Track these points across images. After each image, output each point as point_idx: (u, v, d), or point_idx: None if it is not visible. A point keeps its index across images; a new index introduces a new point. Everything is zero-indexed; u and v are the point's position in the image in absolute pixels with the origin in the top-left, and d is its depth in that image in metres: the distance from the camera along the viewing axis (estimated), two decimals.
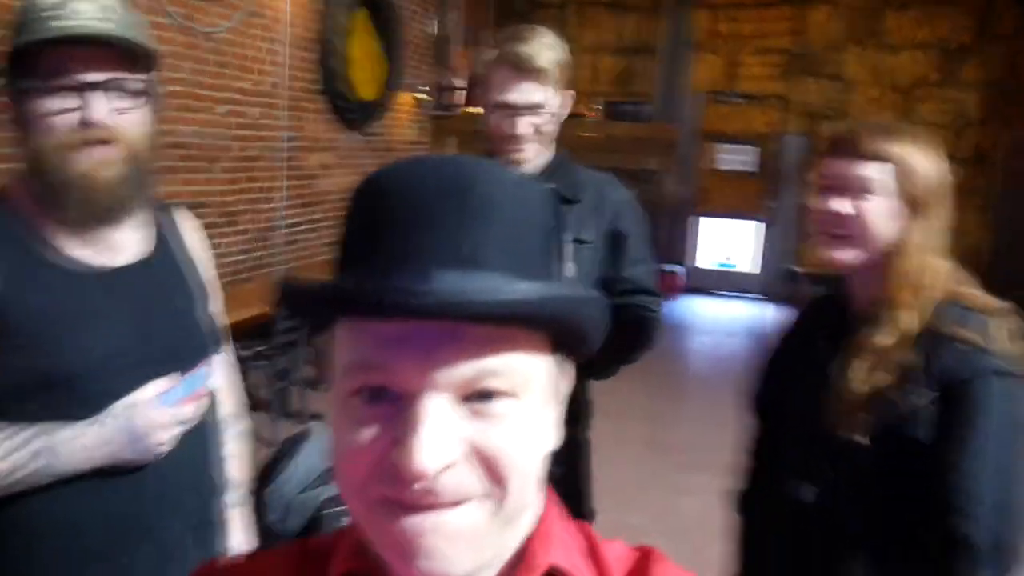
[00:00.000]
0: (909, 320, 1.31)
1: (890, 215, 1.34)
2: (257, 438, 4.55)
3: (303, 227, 6.26)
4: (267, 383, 4.63)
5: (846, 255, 1.37)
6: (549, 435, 0.57)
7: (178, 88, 4.74)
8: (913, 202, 1.33)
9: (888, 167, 1.33)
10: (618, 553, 0.63)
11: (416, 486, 0.48)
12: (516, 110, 1.75)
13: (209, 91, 5.02)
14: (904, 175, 1.32)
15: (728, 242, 9.55)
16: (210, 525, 1.43)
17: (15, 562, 1.20)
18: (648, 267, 1.95)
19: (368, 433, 0.51)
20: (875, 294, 1.37)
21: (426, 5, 8.08)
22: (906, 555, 1.31)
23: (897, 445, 1.30)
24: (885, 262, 1.35)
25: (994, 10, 8.78)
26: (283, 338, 4.42)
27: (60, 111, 1.17)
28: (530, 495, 0.55)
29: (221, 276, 5.55)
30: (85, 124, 1.18)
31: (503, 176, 0.55)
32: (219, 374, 1.39)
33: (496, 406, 0.51)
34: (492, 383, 0.51)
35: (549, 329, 0.54)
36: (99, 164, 1.20)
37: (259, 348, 4.55)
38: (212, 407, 1.41)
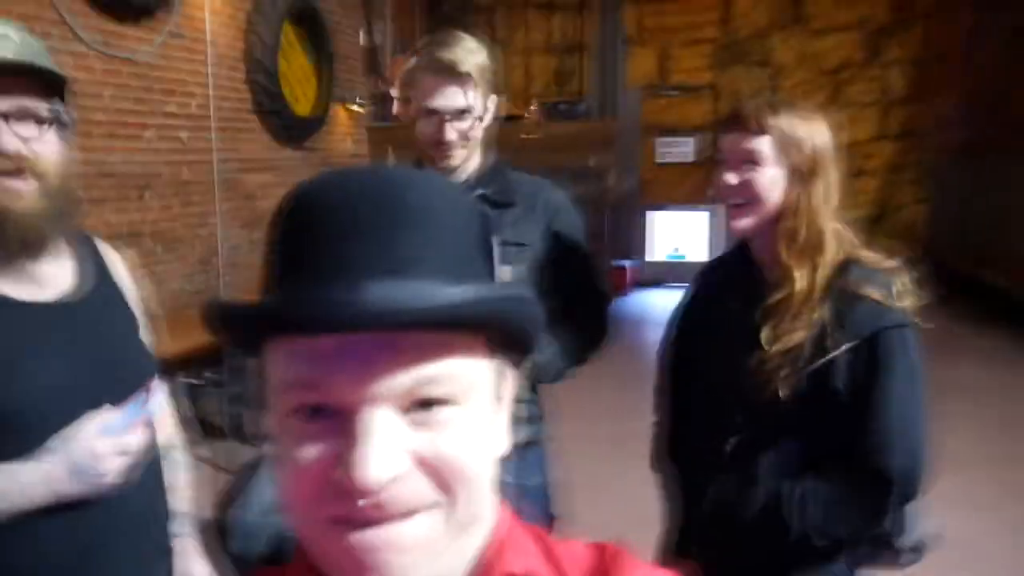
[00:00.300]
0: (803, 279, 1.43)
1: (777, 182, 1.46)
2: (214, 465, 4.44)
3: (244, 249, 6.13)
4: (220, 410, 4.52)
5: (743, 222, 1.50)
6: (496, 440, 0.56)
7: (101, 117, 4.60)
8: (797, 169, 1.45)
9: (771, 139, 1.45)
10: (576, 553, 0.61)
11: (362, 501, 0.47)
12: (441, 115, 1.74)
13: (135, 117, 4.88)
14: (786, 145, 1.45)
15: (680, 234, 9.62)
16: (163, 555, 1.41)
17: None
18: (587, 266, 1.93)
19: (310, 452, 0.49)
20: (775, 257, 1.48)
21: (353, 16, 7.99)
22: (821, 495, 1.43)
23: (813, 395, 1.42)
24: (778, 227, 1.47)
25: None
26: (234, 363, 4.32)
27: None
28: (482, 502, 0.54)
29: (162, 304, 5.42)
30: None
31: (429, 183, 0.54)
32: (158, 405, 1.37)
33: (439, 414, 0.50)
34: (432, 391, 0.50)
35: (485, 331, 0.53)
36: (12, 196, 1.16)
37: (209, 375, 4.45)
38: (152, 435, 1.36)
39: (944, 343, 6.61)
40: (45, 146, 1.19)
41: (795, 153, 1.45)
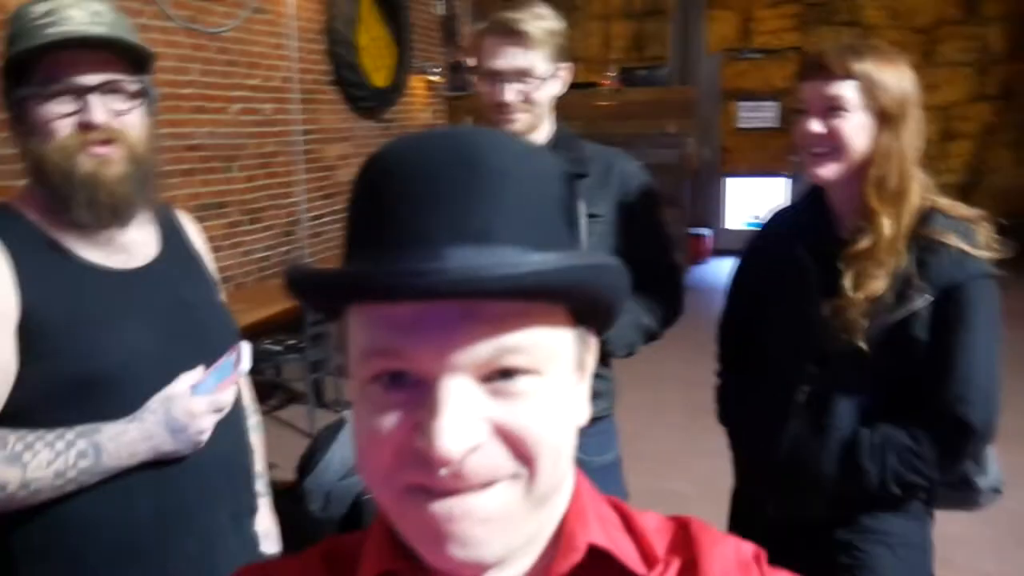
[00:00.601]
0: (891, 226, 1.41)
1: (863, 129, 1.43)
2: (295, 429, 4.61)
3: (326, 219, 6.28)
4: (301, 375, 4.67)
5: (827, 171, 1.46)
6: (577, 410, 0.56)
7: (189, 91, 4.75)
8: (883, 114, 1.42)
9: (855, 83, 1.41)
10: (656, 525, 0.61)
11: (442, 471, 0.47)
12: (502, 76, 1.72)
13: (220, 91, 5.03)
14: (871, 90, 1.41)
15: (756, 201, 9.41)
16: (247, 513, 1.46)
17: (65, 562, 1.22)
18: (661, 238, 1.91)
19: (390, 420, 0.49)
20: (857, 205, 1.46)
21: None
22: (900, 442, 1.44)
23: (894, 345, 1.42)
24: (863, 174, 1.44)
25: None
26: (314, 330, 4.46)
27: (59, 116, 1.19)
28: (561, 473, 0.53)
29: (248, 274, 5.59)
30: (84, 127, 1.19)
31: (512, 146, 0.53)
32: (248, 363, 1.42)
33: (519, 384, 0.49)
34: (513, 361, 0.49)
35: (569, 301, 0.52)
36: (102, 164, 1.21)
37: (291, 342, 4.59)
38: (238, 395, 1.43)
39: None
40: (132, 118, 1.25)
41: (882, 97, 1.41)
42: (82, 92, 1.19)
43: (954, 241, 1.39)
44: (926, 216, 1.43)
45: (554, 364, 0.51)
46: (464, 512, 0.48)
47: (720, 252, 9.34)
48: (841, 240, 1.49)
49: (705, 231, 9.23)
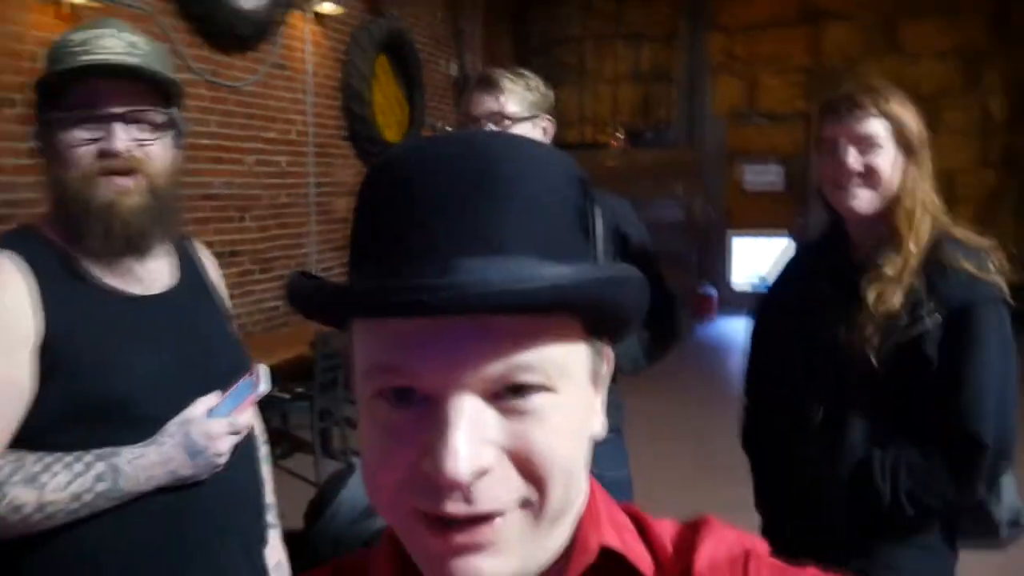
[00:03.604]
0: (915, 250, 1.49)
1: (893, 162, 1.52)
2: (301, 479, 4.57)
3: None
4: (307, 424, 4.66)
5: (863, 203, 1.53)
6: (593, 424, 0.54)
7: (207, 141, 4.85)
8: (908, 149, 1.52)
9: (886, 121, 1.51)
10: (672, 532, 0.60)
11: (450, 496, 0.45)
12: (479, 120, 1.91)
13: (237, 142, 5.14)
14: (899, 127, 1.51)
15: (762, 260, 9.46)
16: (257, 543, 1.45)
17: None
18: (654, 267, 2.02)
19: (397, 440, 0.47)
20: (879, 233, 1.54)
21: (444, 47, 8.22)
22: (913, 461, 1.46)
23: (905, 364, 1.46)
24: (890, 204, 1.53)
25: (1009, 11, 8.72)
26: (323, 378, 4.45)
27: (83, 142, 1.20)
28: (574, 492, 0.51)
29: (257, 323, 5.62)
30: (105, 154, 1.20)
31: (526, 149, 0.50)
32: (267, 384, 1.42)
33: (531, 402, 0.46)
34: (525, 378, 0.46)
35: (585, 314, 0.49)
36: (121, 194, 1.22)
37: (299, 390, 4.59)
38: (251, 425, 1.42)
39: None
40: (155, 149, 1.25)
41: (907, 133, 1.51)
42: (107, 120, 1.19)
43: (965, 265, 1.44)
44: (939, 241, 1.49)
45: (568, 379, 0.48)
46: (472, 545, 0.46)
47: (726, 310, 9.36)
48: (856, 266, 1.56)
49: (711, 290, 9.26)
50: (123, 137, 1.20)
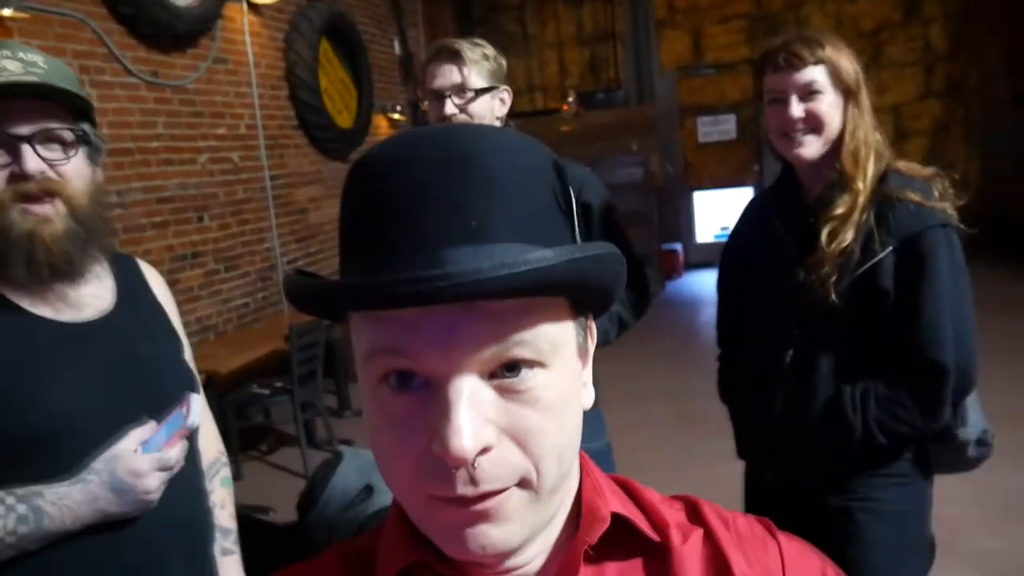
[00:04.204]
0: (863, 187, 1.54)
1: (835, 107, 1.57)
2: (289, 472, 4.58)
3: (301, 262, 6.29)
4: (290, 418, 4.66)
5: (810, 149, 1.59)
6: (583, 396, 0.57)
7: (156, 144, 4.77)
8: (847, 91, 1.57)
9: (824, 68, 1.56)
10: (660, 499, 0.65)
11: (459, 476, 0.48)
12: (442, 92, 1.92)
13: (187, 142, 5.05)
14: (836, 71, 1.56)
15: (724, 212, 9.56)
16: (207, 572, 1.39)
17: None
18: (619, 233, 2.03)
19: (405, 428, 0.50)
20: (828, 175, 1.59)
21: (387, 27, 8.12)
22: (880, 392, 1.52)
23: (863, 298, 1.52)
24: (835, 146, 1.58)
25: None
26: (301, 371, 4.44)
27: None
28: (568, 463, 0.54)
29: (228, 321, 5.57)
30: (17, 177, 1.15)
31: (503, 140, 0.53)
32: (197, 417, 1.36)
33: (526, 380, 0.50)
34: (519, 353, 0.49)
35: (571, 293, 0.52)
36: (40, 222, 1.17)
37: (279, 384, 4.57)
38: (193, 453, 1.38)
39: (1005, 295, 6.47)
40: (70, 168, 1.19)
41: (844, 76, 1.56)
42: (13, 142, 1.14)
43: (912, 196, 1.50)
44: (885, 176, 1.56)
45: (558, 354, 0.52)
46: (481, 517, 0.50)
47: (693, 266, 9.46)
48: (808, 208, 1.62)
49: (677, 246, 9.34)
50: (33, 158, 1.15)
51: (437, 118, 1.93)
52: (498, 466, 0.49)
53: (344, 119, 6.93)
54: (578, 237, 0.55)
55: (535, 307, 0.50)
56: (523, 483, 0.51)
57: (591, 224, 1.97)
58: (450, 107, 1.91)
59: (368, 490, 3.25)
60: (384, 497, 3.24)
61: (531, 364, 0.50)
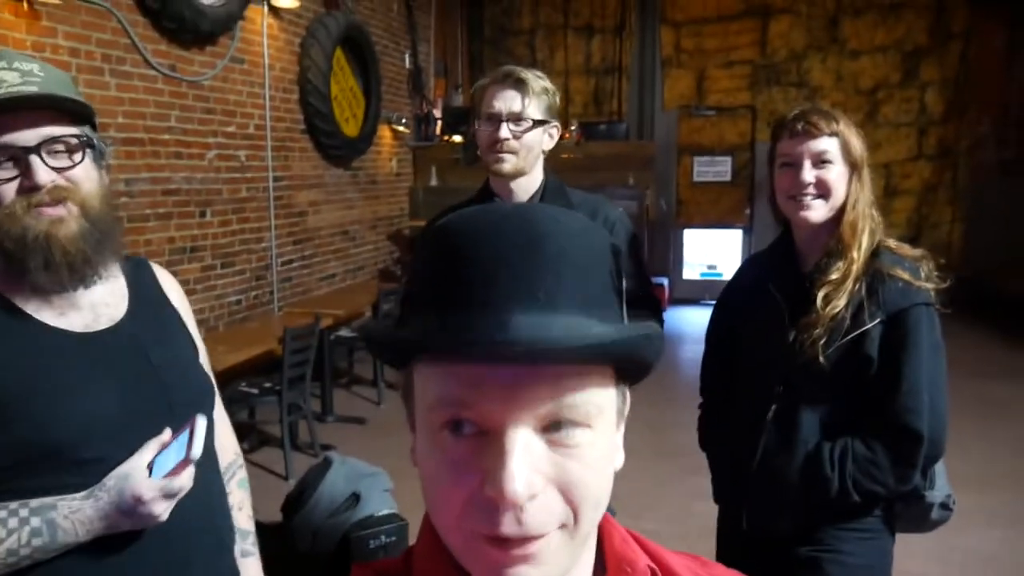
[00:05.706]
0: (857, 256, 1.65)
1: (842, 177, 1.69)
2: (269, 472, 4.61)
3: (295, 264, 6.35)
4: (273, 418, 4.69)
5: (817, 213, 1.70)
6: (616, 458, 0.63)
7: (167, 136, 4.84)
8: (853, 165, 1.69)
9: (837, 140, 1.68)
10: (670, 555, 0.71)
11: (506, 516, 0.53)
12: (500, 117, 1.96)
13: (197, 137, 5.12)
14: (847, 145, 1.68)
15: (713, 252, 9.71)
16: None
17: None
18: (644, 277, 2.10)
19: (460, 469, 0.55)
20: (825, 242, 1.71)
21: (399, 41, 8.24)
22: (858, 452, 1.62)
23: (849, 362, 1.63)
24: (836, 215, 1.70)
25: (946, 10, 9.09)
26: (291, 373, 4.49)
27: (1, 181, 1.16)
28: (600, 514, 0.60)
29: (220, 317, 5.61)
30: (28, 190, 1.16)
31: (570, 224, 0.58)
32: (216, 423, 1.36)
33: (573, 437, 0.55)
34: (569, 414, 0.54)
35: (620, 364, 0.59)
36: (54, 224, 1.18)
37: (266, 384, 4.61)
38: (211, 455, 1.39)
39: (982, 360, 6.62)
40: (78, 173, 1.20)
41: (853, 151, 1.68)
42: (20, 155, 1.15)
43: (902, 273, 1.62)
44: (877, 252, 1.67)
45: (602, 418, 0.57)
46: (522, 560, 0.54)
47: (678, 301, 9.58)
48: (803, 274, 1.74)
49: (663, 280, 9.46)
50: (42, 169, 1.16)
51: (489, 140, 1.97)
52: (543, 512, 0.54)
53: (350, 127, 7.02)
54: (624, 313, 0.62)
55: (588, 373, 0.55)
56: (562, 527, 0.56)
57: (620, 265, 2.07)
58: (505, 131, 1.95)
59: (355, 498, 3.31)
60: (370, 506, 3.31)
61: (578, 424, 0.55)
